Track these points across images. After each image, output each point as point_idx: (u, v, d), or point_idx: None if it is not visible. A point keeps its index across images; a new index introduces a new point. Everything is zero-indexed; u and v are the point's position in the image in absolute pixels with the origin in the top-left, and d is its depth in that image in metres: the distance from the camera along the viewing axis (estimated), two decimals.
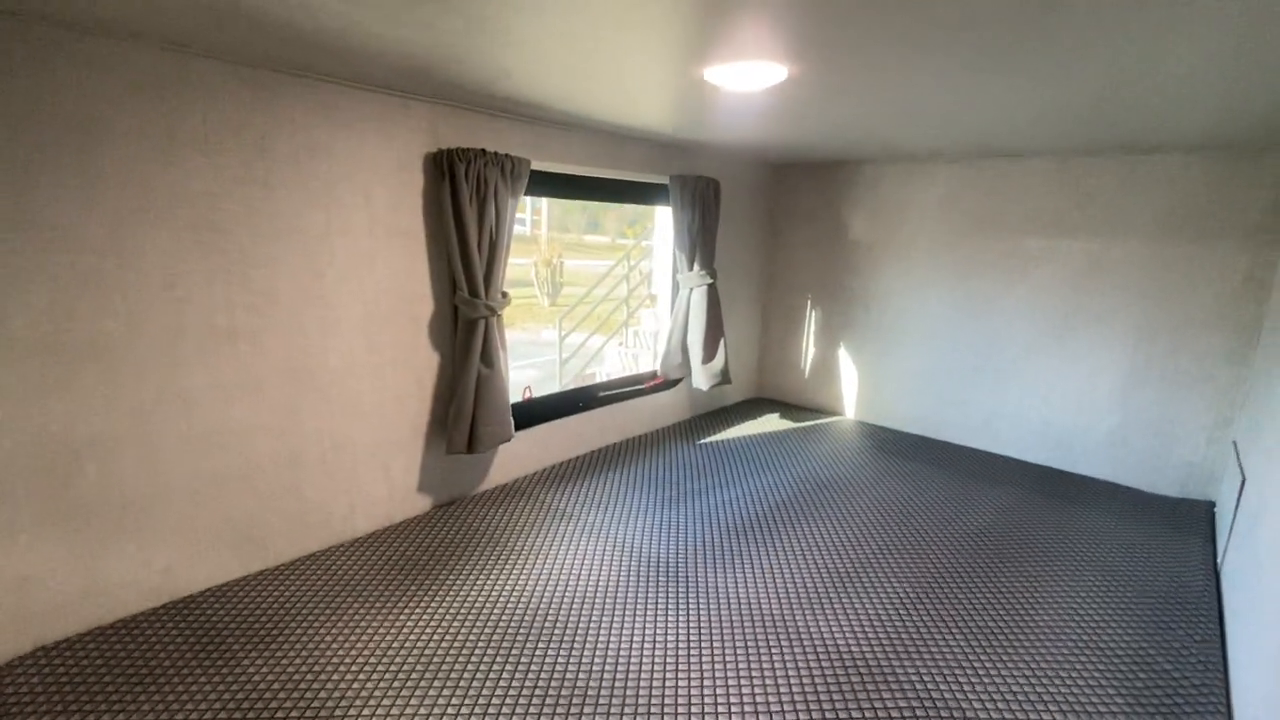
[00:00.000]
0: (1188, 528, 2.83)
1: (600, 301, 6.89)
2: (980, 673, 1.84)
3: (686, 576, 2.28)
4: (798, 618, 2.07)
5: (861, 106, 2.28)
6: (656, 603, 2.12)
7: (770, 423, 4.18)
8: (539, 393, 3.39)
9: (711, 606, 2.11)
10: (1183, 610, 2.21)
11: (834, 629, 2.02)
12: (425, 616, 2.00)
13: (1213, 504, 3.05)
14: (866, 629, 2.03)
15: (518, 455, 3.06)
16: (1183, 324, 3.11)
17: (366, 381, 2.40)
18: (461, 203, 2.41)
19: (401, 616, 2.00)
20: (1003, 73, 1.74)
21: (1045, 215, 3.43)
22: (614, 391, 3.64)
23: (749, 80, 1.80)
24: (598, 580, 2.24)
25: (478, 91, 2.23)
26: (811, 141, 3.19)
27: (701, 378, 3.79)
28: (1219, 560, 2.53)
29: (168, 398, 1.91)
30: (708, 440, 3.76)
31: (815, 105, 2.27)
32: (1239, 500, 2.43)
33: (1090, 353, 3.38)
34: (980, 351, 3.75)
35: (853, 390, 4.35)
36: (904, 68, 1.72)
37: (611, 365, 7.38)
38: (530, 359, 11.86)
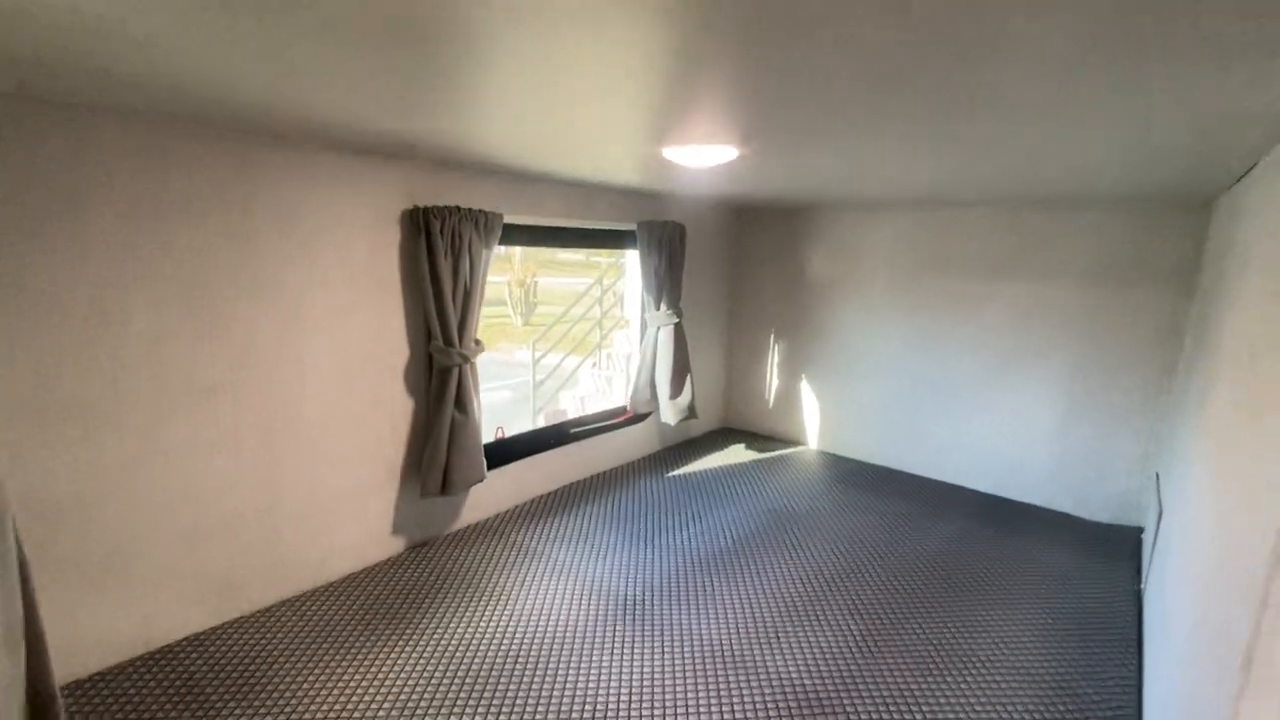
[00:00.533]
0: (1117, 554, 3.06)
1: (576, 322, 7.01)
2: (920, 703, 1.99)
3: (652, 614, 2.40)
4: (754, 653, 2.20)
5: (809, 175, 2.47)
6: (623, 642, 2.23)
7: (736, 454, 4.34)
8: (512, 429, 3.50)
9: (675, 644, 2.23)
10: (1107, 634, 2.40)
11: (788, 663, 2.15)
12: (399, 660, 2.08)
13: (1140, 530, 3.29)
14: (818, 662, 2.17)
15: (490, 493, 3.16)
16: (1112, 363, 3.37)
17: (343, 429, 2.48)
18: (437, 257, 2.53)
19: (376, 661, 2.07)
20: (932, 152, 1.94)
21: (988, 259, 3.69)
22: (585, 428, 3.76)
23: (703, 158, 1.98)
24: (567, 620, 2.34)
25: (453, 153, 2.37)
26: (768, 193, 3.40)
27: (669, 413, 3.94)
28: (1142, 585, 2.75)
29: (148, 453, 1.98)
30: (676, 473, 3.90)
31: (767, 174, 2.46)
32: (1157, 529, 2.66)
33: (1031, 388, 3.63)
34: (932, 385, 3.97)
35: (814, 421, 4.54)
36: (845, 148, 1.91)
37: (585, 387, 7.47)
38: (503, 380, 11.83)
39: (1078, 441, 3.51)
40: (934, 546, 3.07)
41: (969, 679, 2.12)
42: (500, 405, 9.85)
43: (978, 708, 1.98)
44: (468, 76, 1.26)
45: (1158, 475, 3.13)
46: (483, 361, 2.78)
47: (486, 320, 2.75)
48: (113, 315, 1.86)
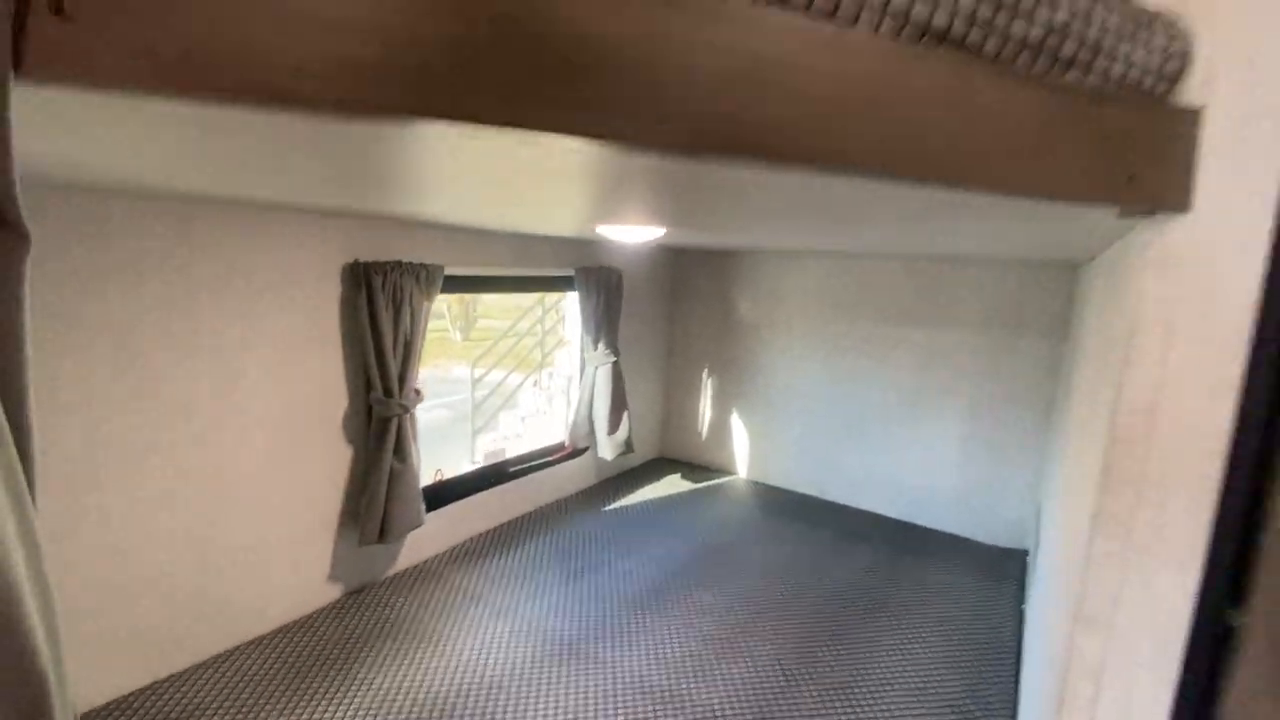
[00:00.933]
0: (1006, 576, 3.41)
1: (520, 338, 7.03)
2: None
3: (586, 653, 2.53)
4: (683, 687, 2.36)
5: (733, 241, 2.71)
6: (556, 683, 2.34)
7: (671, 484, 4.53)
8: (450, 456, 3.55)
9: (606, 683, 2.36)
10: (993, 652, 2.70)
11: (712, 695, 2.33)
12: (334, 712, 2.13)
13: (1027, 552, 3.68)
14: (740, 692, 2.35)
15: (429, 534, 3.20)
16: (1003, 401, 3.77)
17: (280, 480, 2.51)
18: (378, 311, 2.60)
19: (312, 713, 2.11)
20: (831, 234, 2.20)
21: (897, 307, 4.05)
22: (524, 466, 3.86)
23: (634, 235, 2.16)
24: (502, 663, 2.44)
25: (394, 215, 2.46)
26: (697, 245, 3.63)
27: (607, 448, 4.09)
28: (1025, 605, 3.09)
29: (78, 517, 1.96)
30: (612, 506, 4.04)
31: (693, 239, 2.67)
32: (1036, 553, 3.01)
33: (935, 423, 3.99)
34: (849, 420, 4.29)
35: (744, 452, 4.80)
36: (757, 231, 2.14)
37: (526, 408, 7.50)
38: (441, 398, 11.59)
39: (975, 472, 3.88)
40: (850, 573, 3.34)
41: (871, 700, 2.35)
42: (438, 425, 9.67)
43: None
44: (413, 195, 1.39)
45: (1040, 504, 3.52)
46: (419, 380, 2.86)
47: (424, 336, 2.85)
48: (40, 383, 1.85)
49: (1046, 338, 3.60)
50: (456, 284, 3.18)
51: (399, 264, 2.66)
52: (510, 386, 7.29)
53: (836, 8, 0.72)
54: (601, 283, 3.90)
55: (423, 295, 2.79)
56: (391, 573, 3.04)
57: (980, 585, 3.29)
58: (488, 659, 2.46)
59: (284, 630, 2.55)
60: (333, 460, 2.69)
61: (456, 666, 2.40)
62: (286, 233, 2.39)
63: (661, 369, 5.03)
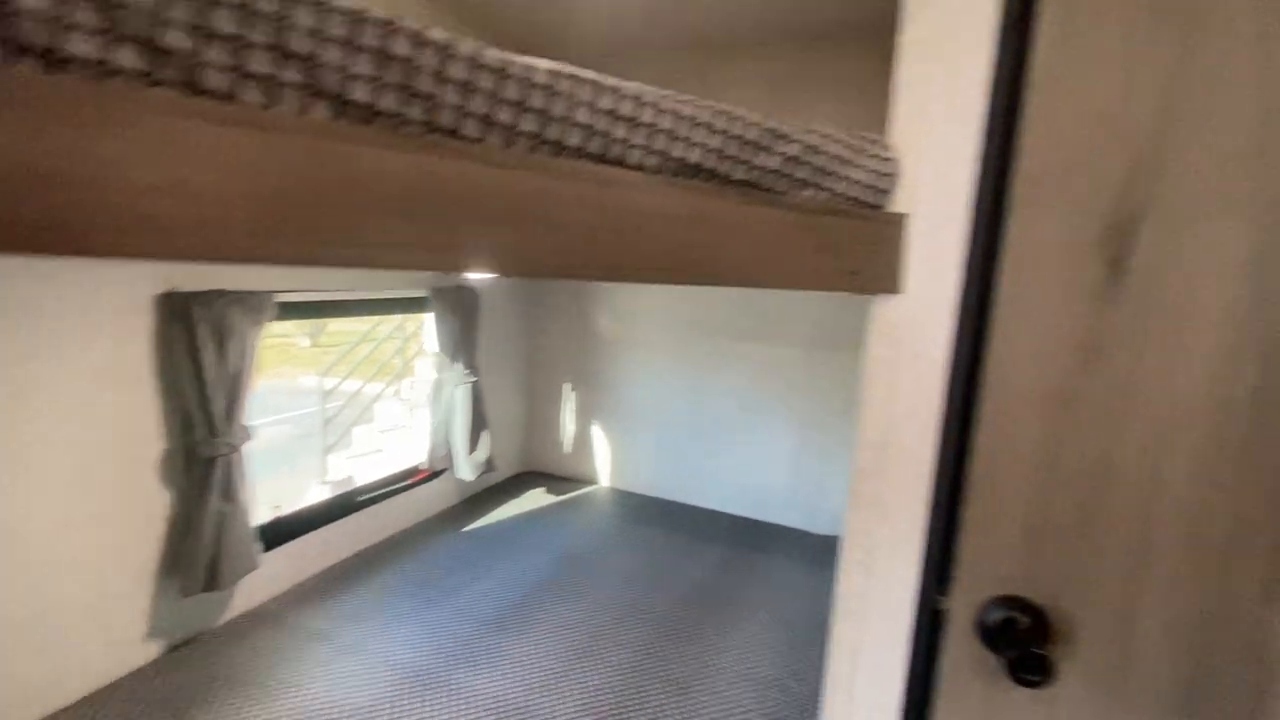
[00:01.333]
0: (830, 561, 3.89)
1: (378, 344, 6.63)
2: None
3: (441, 681, 2.54)
4: (535, 702, 2.47)
5: None
6: (409, 717, 2.35)
7: (534, 498, 4.60)
8: (296, 474, 3.36)
9: (463, 708, 2.40)
10: (815, 634, 3.09)
11: (565, 706, 2.45)
12: None
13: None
14: (592, 701, 2.50)
15: (268, 575, 3.01)
16: (826, 411, 4.28)
17: (80, 537, 2.25)
18: (198, 345, 2.42)
19: None
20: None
21: (737, 325, 4.44)
22: (376, 493, 3.74)
23: (486, 279, 2.22)
24: (351, 704, 2.39)
25: None
26: None
27: (466, 469, 4.07)
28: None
29: None
30: (473, 526, 4.04)
31: None
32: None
33: (772, 429, 4.43)
34: (700, 428, 4.64)
35: (606, 461, 4.99)
36: None
37: (385, 420, 7.11)
38: (285, 413, 10.62)
39: (805, 472, 4.38)
40: (700, 572, 3.62)
41: (709, 691, 2.61)
42: (280, 444, 8.87)
43: (713, 713, 2.47)
44: None
45: None
46: (261, 392, 2.70)
47: (266, 343, 2.68)
48: None
49: (858, 355, 4.15)
50: (294, 310, 3.02)
51: (222, 293, 2.49)
52: (367, 397, 6.85)
53: (605, 152, 0.87)
54: (458, 302, 3.88)
55: (250, 323, 2.63)
56: (224, 620, 2.83)
57: (808, 572, 3.73)
58: (335, 701, 2.39)
59: (91, 699, 2.29)
60: (148, 507, 2.46)
61: (299, 712, 2.32)
62: (85, 263, 2.16)
63: (523, 383, 5.08)
